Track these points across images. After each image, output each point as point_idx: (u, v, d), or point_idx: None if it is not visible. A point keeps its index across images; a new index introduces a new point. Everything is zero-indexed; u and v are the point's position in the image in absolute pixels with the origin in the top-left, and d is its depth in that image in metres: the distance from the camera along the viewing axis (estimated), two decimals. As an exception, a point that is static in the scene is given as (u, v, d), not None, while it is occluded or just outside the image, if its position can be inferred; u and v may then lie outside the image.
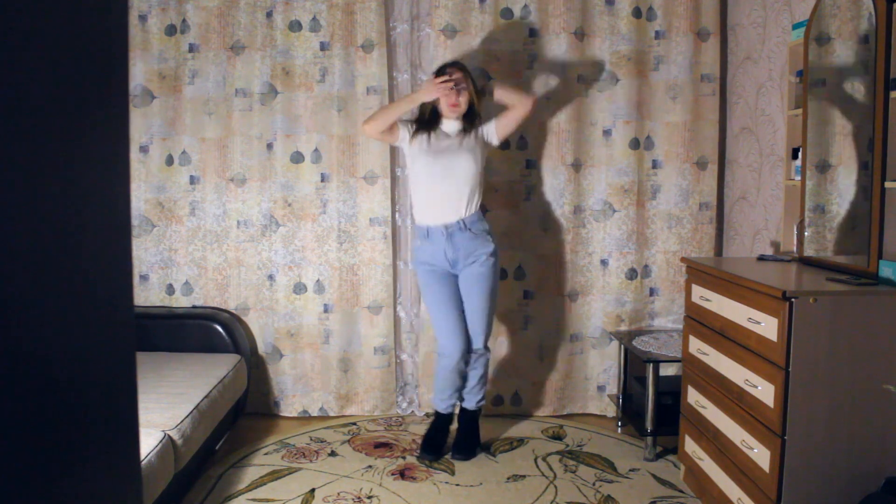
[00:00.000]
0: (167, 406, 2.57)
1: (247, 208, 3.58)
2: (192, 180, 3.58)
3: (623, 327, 3.61)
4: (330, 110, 3.52)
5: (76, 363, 0.74)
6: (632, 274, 3.60)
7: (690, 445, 2.72)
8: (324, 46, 3.51)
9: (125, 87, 0.83)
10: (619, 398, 3.48)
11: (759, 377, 2.19)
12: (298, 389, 3.63)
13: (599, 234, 3.58)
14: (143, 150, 3.57)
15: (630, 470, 2.99)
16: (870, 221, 2.23)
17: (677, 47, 3.52)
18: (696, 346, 2.66)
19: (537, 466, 3.03)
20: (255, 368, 3.61)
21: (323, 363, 3.61)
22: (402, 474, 2.95)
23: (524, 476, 2.94)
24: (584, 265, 3.60)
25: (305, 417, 3.62)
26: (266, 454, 3.14)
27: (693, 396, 2.70)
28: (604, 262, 3.60)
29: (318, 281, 3.58)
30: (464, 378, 3.18)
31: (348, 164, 3.54)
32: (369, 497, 2.75)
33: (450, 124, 3.12)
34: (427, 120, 3.12)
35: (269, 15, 3.50)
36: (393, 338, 3.63)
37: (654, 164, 3.59)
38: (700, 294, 2.64)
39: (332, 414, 3.63)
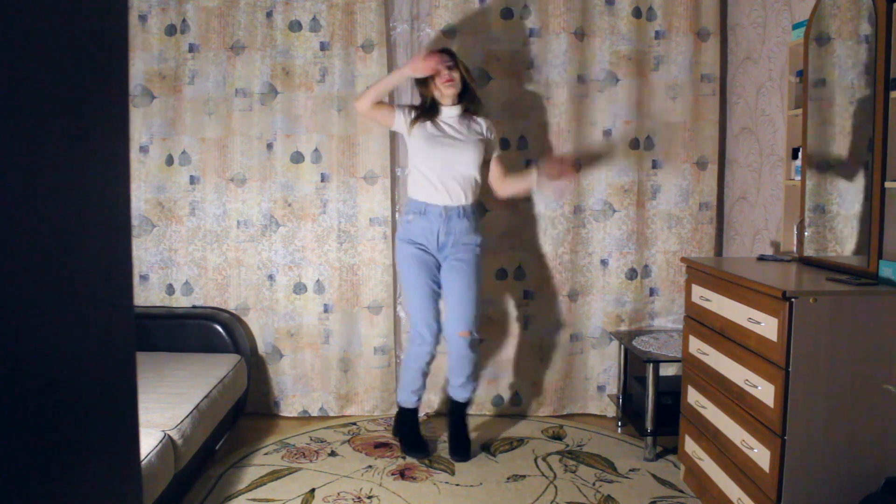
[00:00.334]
0: (167, 406, 2.57)
1: (247, 208, 3.58)
2: (192, 180, 3.58)
3: (623, 327, 3.61)
4: (330, 110, 3.52)
5: (76, 363, 0.74)
6: (632, 274, 3.60)
7: (690, 445, 2.72)
8: (324, 46, 3.51)
9: (125, 87, 0.83)
10: (619, 398, 3.48)
11: (759, 377, 2.19)
12: (298, 389, 3.63)
13: (599, 234, 3.58)
14: (143, 150, 3.57)
15: (630, 470, 2.99)
16: (870, 221, 2.24)
17: (677, 47, 3.52)
18: (696, 346, 2.66)
19: (537, 466, 3.03)
20: (255, 368, 3.61)
21: (323, 363, 3.61)
22: (402, 474, 2.95)
23: (524, 476, 2.94)
24: (584, 265, 3.60)
25: (305, 417, 3.62)
26: (266, 454, 3.14)
27: (693, 396, 2.70)
28: (604, 262, 3.60)
29: (318, 281, 3.58)
30: (451, 368, 3.13)
31: (348, 164, 3.54)
32: (369, 497, 2.75)
33: (448, 110, 3.11)
34: (427, 108, 3.10)
35: (269, 15, 3.50)
36: (393, 338, 3.63)
37: (654, 164, 3.59)
38: (700, 294, 2.64)
39: (332, 414, 3.63)
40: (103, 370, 0.80)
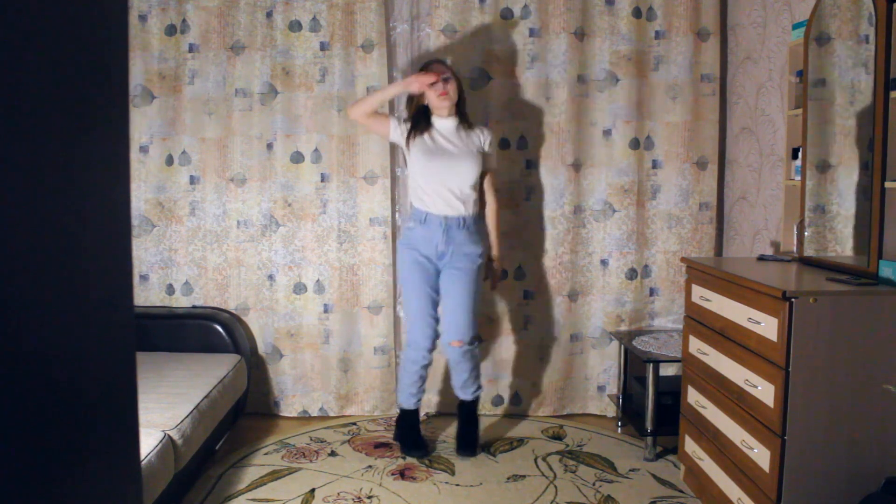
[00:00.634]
0: (167, 406, 2.57)
1: (247, 208, 3.58)
2: (192, 180, 3.58)
3: (623, 327, 3.61)
4: (330, 110, 3.52)
5: (76, 363, 0.74)
6: (632, 274, 3.60)
7: (690, 445, 2.72)
8: (324, 46, 3.51)
9: (125, 87, 0.83)
10: (619, 398, 3.48)
11: (759, 377, 2.19)
12: (298, 389, 3.63)
13: (599, 234, 3.58)
14: (143, 150, 3.57)
15: (630, 470, 2.99)
16: (870, 221, 2.24)
17: (677, 47, 3.52)
18: (696, 346, 2.66)
19: (537, 466, 3.03)
20: (255, 368, 3.61)
21: (323, 363, 3.61)
22: (402, 474, 2.95)
23: (524, 476, 2.94)
24: (584, 265, 3.60)
25: (305, 417, 3.62)
26: (266, 454, 3.14)
27: (693, 396, 2.70)
28: (604, 262, 3.60)
29: (318, 281, 3.58)
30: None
31: (348, 164, 3.54)
32: (369, 497, 2.75)
33: (443, 122, 3.11)
34: (420, 119, 3.10)
35: (269, 15, 3.50)
36: (393, 338, 3.63)
37: (654, 164, 3.59)
38: (700, 294, 2.64)
39: (332, 414, 3.63)
40: (103, 370, 0.80)
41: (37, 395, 0.67)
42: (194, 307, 3.60)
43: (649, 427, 3.07)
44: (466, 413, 3.24)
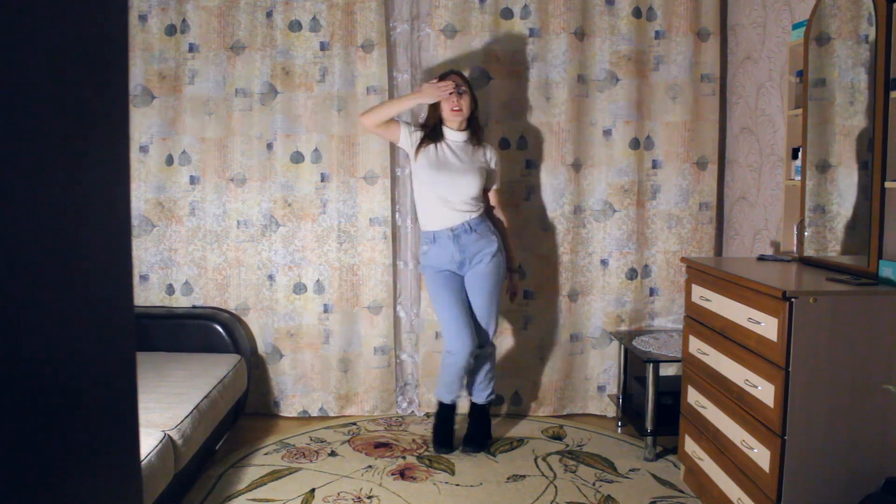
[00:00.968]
0: (167, 406, 2.57)
1: (247, 208, 3.58)
2: (192, 180, 3.58)
3: (623, 327, 3.61)
4: (330, 110, 3.52)
5: (76, 363, 0.74)
6: (632, 274, 3.60)
7: (690, 445, 2.72)
8: (324, 46, 3.51)
9: (125, 87, 0.83)
10: (619, 398, 3.48)
11: (759, 377, 2.19)
12: (298, 389, 3.63)
13: (599, 234, 3.58)
14: (143, 150, 3.57)
15: (630, 470, 2.99)
16: (870, 221, 2.24)
17: (677, 47, 3.52)
18: (696, 346, 2.66)
19: (537, 466, 3.03)
20: (255, 368, 3.61)
21: (323, 363, 3.61)
22: (402, 474, 2.95)
23: (524, 476, 2.94)
24: (584, 265, 3.60)
25: (305, 417, 3.62)
26: (266, 454, 3.14)
27: (693, 396, 2.70)
28: (604, 262, 3.60)
29: (317, 281, 3.58)
30: (469, 373, 3.22)
31: (348, 164, 3.54)
32: (369, 497, 2.75)
33: (454, 135, 3.12)
34: (432, 129, 3.12)
35: (269, 15, 3.50)
36: (393, 338, 3.63)
37: (654, 164, 3.59)
38: (700, 294, 2.64)
39: (332, 414, 3.63)
40: (103, 370, 0.80)
41: (37, 395, 0.67)
42: (194, 307, 3.60)
43: (649, 427, 3.07)
44: (479, 415, 3.28)
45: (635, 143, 3.56)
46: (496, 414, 3.63)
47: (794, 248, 2.70)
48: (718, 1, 3.52)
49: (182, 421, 2.49)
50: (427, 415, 3.61)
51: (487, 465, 3.05)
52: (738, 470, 2.32)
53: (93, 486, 0.78)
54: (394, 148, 3.55)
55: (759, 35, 3.26)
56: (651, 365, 3.04)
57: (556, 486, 2.84)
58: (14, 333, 0.63)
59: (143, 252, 3.60)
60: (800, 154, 2.67)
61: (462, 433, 3.25)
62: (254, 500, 2.72)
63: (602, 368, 3.64)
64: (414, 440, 3.30)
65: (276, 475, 2.92)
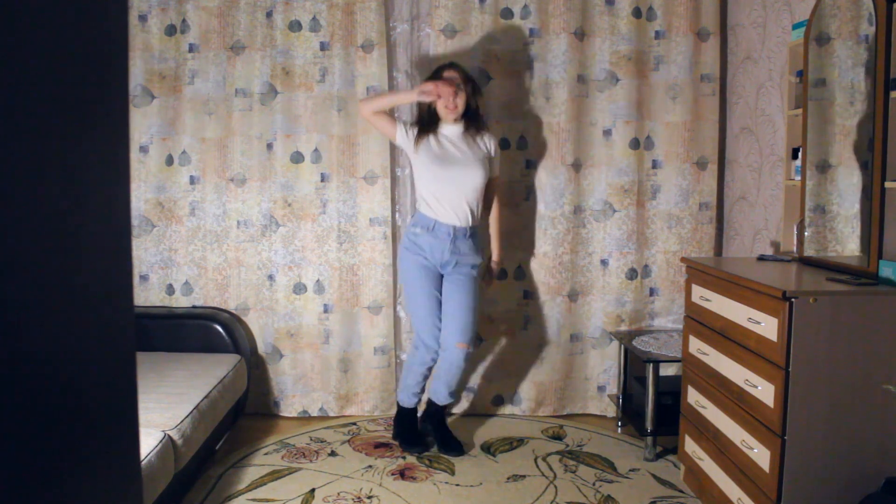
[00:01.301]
0: (167, 406, 2.57)
1: (247, 208, 3.58)
2: (192, 180, 3.58)
3: (623, 327, 3.61)
4: (330, 110, 3.52)
5: (76, 363, 0.74)
6: (632, 274, 3.60)
7: (690, 445, 2.72)
8: (324, 46, 3.51)
9: (125, 87, 0.83)
10: (619, 398, 3.48)
11: (759, 377, 2.19)
12: (298, 389, 3.63)
13: (599, 234, 3.58)
14: (143, 150, 3.57)
15: (630, 470, 2.99)
16: (870, 221, 2.24)
17: (677, 47, 3.52)
18: (696, 346, 2.66)
19: (537, 466, 3.03)
20: (255, 368, 3.61)
21: (323, 363, 3.61)
22: (402, 474, 2.95)
23: (524, 476, 2.94)
24: (584, 265, 3.60)
25: (305, 417, 3.62)
26: (266, 454, 3.14)
27: (693, 396, 2.70)
28: (604, 262, 3.60)
29: (317, 281, 3.58)
30: (431, 372, 3.22)
31: (348, 164, 3.54)
32: (369, 497, 2.75)
33: (450, 127, 3.12)
34: (426, 123, 3.12)
35: (269, 15, 3.50)
36: (393, 338, 3.63)
37: (654, 164, 3.59)
38: (700, 294, 2.64)
39: (332, 414, 3.63)
40: (103, 370, 0.80)
41: (36, 395, 0.67)
42: (194, 307, 3.60)
43: (649, 427, 3.07)
44: (438, 416, 3.27)
45: (635, 143, 3.56)
46: (497, 414, 3.63)
47: (794, 248, 2.70)
48: (718, 1, 3.52)
49: (182, 421, 2.49)
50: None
51: (487, 465, 3.05)
52: (738, 470, 2.32)
53: (93, 487, 0.78)
54: (394, 148, 3.55)
55: (759, 35, 3.26)
56: (651, 365, 3.04)
57: (556, 486, 2.84)
58: (14, 333, 0.63)
59: (143, 252, 3.60)
60: (800, 154, 2.67)
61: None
62: (254, 500, 2.72)
63: (602, 368, 3.64)
64: (414, 440, 3.30)
65: (276, 475, 2.92)
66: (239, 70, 3.52)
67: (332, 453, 3.16)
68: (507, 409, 3.64)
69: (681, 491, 2.81)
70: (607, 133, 3.56)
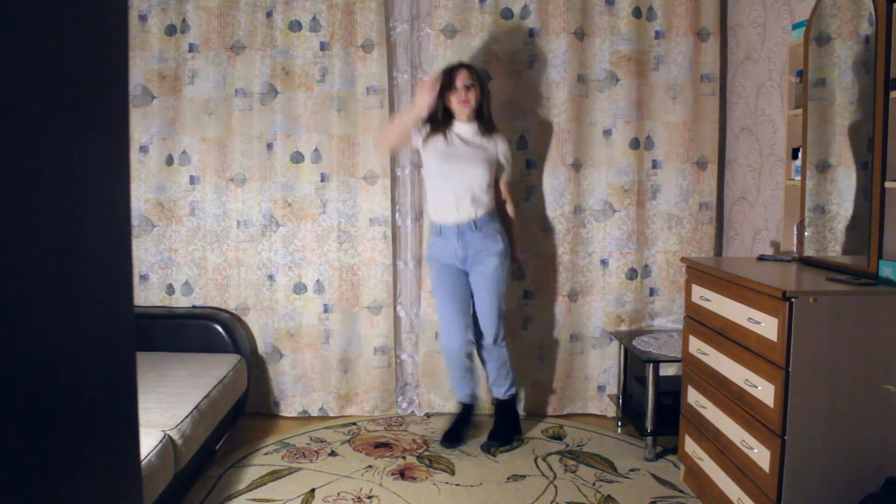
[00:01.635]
0: (167, 406, 2.57)
1: (247, 208, 3.58)
2: (192, 180, 3.58)
3: (623, 327, 3.61)
4: (330, 110, 3.52)
5: (76, 363, 0.74)
6: (632, 274, 3.60)
7: (690, 445, 2.72)
8: (324, 46, 3.51)
9: (125, 87, 0.83)
10: (619, 398, 3.48)
11: (759, 377, 2.19)
12: (298, 389, 3.63)
13: (599, 234, 3.58)
14: (143, 150, 3.57)
15: (630, 470, 2.99)
16: (870, 221, 2.23)
17: (677, 47, 3.52)
18: (696, 346, 2.66)
19: (537, 466, 3.03)
20: (255, 368, 3.61)
21: (323, 363, 3.61)
22: (402, 474, 2.95)
23: (524, 476, 2.94)
24: (584, 265, 3.60)
25: (305, 417, 3.62)
26: (266, 454, 3.14)
27: (693, 396, 2.70)
28: (604, 262, 3.60)
29: (317, 281, 3.58)
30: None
31: (348, 164, 3.54)
32: (369, 497, 2.75)
33: (464, 127, 3.15)
34: (439, 121, 3.14)
35: (269, 15, 3.50)
36: (393, 338, 3.63)
37: (654, 164, 3.59)
38: (700, 294, 2.64)
39: (332, 414, 3.63)
40: (103, 370, 0.80)
41: (37, 395, 0.67)
42: (194, 307, 3.60)
43: (649, 427, 3.07)
44: (501, 410, 3.35)
45: (635, 143, 3.56)
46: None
47: (794, 248, 2.70)
48: (718, 1, 3.52)
49: (182, 421, 2.49)
50: (427, 415, 3.61)
51: (487, 465, 3.05)
52: (738, 470, 2.32)
53: (93, 486, 0.78)
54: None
55: (759, 35, 3.26)
56: (651, 365, 3.04)
57: (556, 486, 2.84)
58: (14, 333, 0.63)
59: (143, 252, 3.60)
60: (800, 154, 2.67)
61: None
62: (254, 500, 2.72)
63: (602, 368, 3.64)
64: (414, 440, 3.30)
65: (276, 475, 2.92)
66: (239, 70, 3.52)
67: (332, 453, 3.16)
68: (507, 409, 3.64)
69: (681, 491, 2.81)
70: (607, 133, 3.56)
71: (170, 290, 3.62)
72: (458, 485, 2.86)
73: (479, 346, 3.28)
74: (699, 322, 2.65)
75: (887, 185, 2.18)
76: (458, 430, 3.29)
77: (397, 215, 3.63)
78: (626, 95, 3.52)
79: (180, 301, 3.62)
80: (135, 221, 3.58)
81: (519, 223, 3.55)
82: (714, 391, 2.51)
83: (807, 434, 2.07)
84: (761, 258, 2.76)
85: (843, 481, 2.08)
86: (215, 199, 3.58)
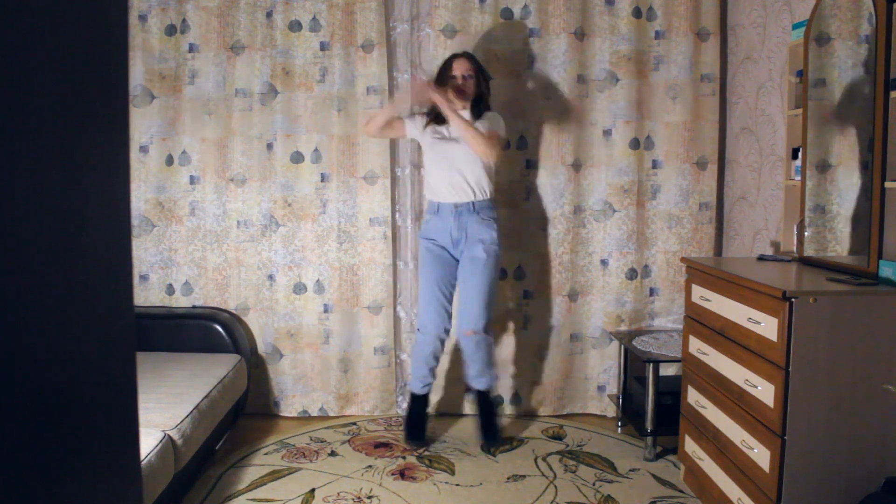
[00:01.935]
0: (167, 406, 2.57)
1: (247, 208, 3.58)
2: (192, 180, 3.58)
3: (623, 327, 3.61)
4: (330, 110, 3.52)
5: (76, 363, 0.74)
6: (632, 274, 3.60)
7: (690, 445, 2.72)
8: (324, 46, 3.51)
9: (125, 87, 0.83)
10: (619, 398, 3.48)
11: (759, 377, 2.19)
12: (298, 389, 3.63)
13: (599, 234, 3.58)
14: (143, 150, 3.57)
15: (630, 470, 2.99)
16: (870, 221, 2.23)
17: (677, 47, 3.52)
18: (696, 346, 2.66)
19: (537, 466, 3.03)
20: (255, 368, 3.61)
21: (323, 363, 3.61)
22: (402, 474, 2.95)
23: (524, 476, 2.94)
24: (584, 265, 3.60)
25: (305, 417, 3.62)
26: (266, 454, 3.14)
27: (693, 396, 2.70)
28: (604, 262, 3.60)
29: (317, 281, 3.58)
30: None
31: (348, 164, 3.54)
32: (369, 497, 2.75)
33: (462, 114, 3.14)
34: (438, 112, 3.15)
35: (269, 15, 3.50)
36: (393, 338, 3.63)
37: (654, 164, 3.59)
38: (700, 294, 2.64)
39: (332, 414, 3.63)
40: (103, 370, 0.80)
41: (37, 395, 0.67)
42: (194, 307, 3.60)
43: (649, 427, 3.07)
44: (483, 402, 3.31)
45: (635, 143, 3.56)
46: (497, 414, 3.62)
47: (794, 248, 2.70)
48: (718, 1, 3.52)
49: (182, 421, 2.49)
50: (428, 415, 3.61)
51: (487, 465, 3.05)
52: (738, 470, 2.32)
53: (93, 486, 0.78)
54: (394, 148, 3.55)
55: (759, 35, 3.26)
56: (651, 365, 3.04)
57: (556, 486, 2.84)
58: (14, 334, 0.63)
59: (143, 252, 3.60)
60: (800, 154, 2.67)
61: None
62: (254, 500, 2.72)
63: (602, 368, 3.64)
64: (414, 440, 3.30)
65: (276, 475, 2.92)
66: (239, 70, 3.52)
67: (332, 453, 3.16)
68: (507, 409, 3.64)
69: (681, 491, 2.81)
70: (607, 133, 3.56)
71: (170, 290, 3.62)
72: (458, 485, 2.86)
73: (462, 340, 3.19)
74: (699, 322, 2.65)
75: (887, 185, 2.18)
76: (419, 425, 3.26)
77: (397, 215, 3.63)
78: (626, 95, 3.52)
79: (180, 301, 3.62)
80: (135, 221, 3.58)
81: (519, 223, 3.56)
82: (714, 391, 2.51)
83: (807, 434, 2.07)
84: (761, 258, 2.76)
85: (843, 481, 2.08)
86: (215, 199, 3.58)
